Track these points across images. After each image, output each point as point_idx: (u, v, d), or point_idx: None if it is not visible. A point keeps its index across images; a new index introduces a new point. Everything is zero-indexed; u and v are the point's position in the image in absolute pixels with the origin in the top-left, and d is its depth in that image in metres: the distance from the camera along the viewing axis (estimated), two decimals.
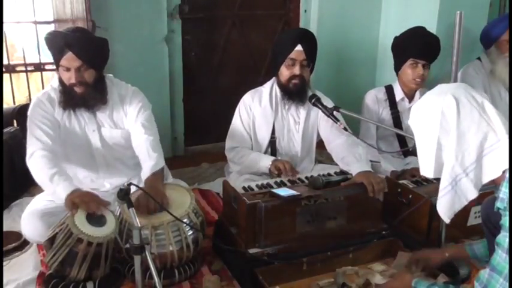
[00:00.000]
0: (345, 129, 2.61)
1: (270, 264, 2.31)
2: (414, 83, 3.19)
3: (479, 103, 1.69)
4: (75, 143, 2.66)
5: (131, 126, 2.70)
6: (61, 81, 2.56)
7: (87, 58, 2.48)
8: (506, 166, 1.62)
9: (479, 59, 3.68)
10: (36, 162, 2.43)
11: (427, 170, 1.76)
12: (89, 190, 2.44)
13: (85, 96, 2.54)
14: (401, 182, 2.79)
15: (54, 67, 3.89)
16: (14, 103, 3.89)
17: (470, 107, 1.67)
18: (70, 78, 2.49)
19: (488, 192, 2.00)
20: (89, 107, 2.60)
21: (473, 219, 2.60)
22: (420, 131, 1.77)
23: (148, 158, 2.57)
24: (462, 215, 2.56)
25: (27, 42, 3.90)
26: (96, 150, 2.71)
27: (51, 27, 3.71)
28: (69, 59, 2.45)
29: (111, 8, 3.53)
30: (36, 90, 4.06)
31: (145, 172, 2.53)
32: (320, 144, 3.08)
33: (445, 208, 1.74)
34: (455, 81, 2.37)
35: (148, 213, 2.31)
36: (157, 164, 2.55)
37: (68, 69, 2.48)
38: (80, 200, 2.22)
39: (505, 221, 1.62)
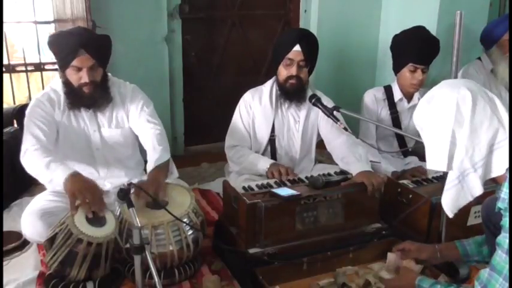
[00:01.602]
0: (345, 129, 2.61)
1: (270, 264, 2.31)
2: (412, 87, 3.17)
3: (490, 98, 1.67)
4: (75, 143, 2.66)
5: (135, 124, 2.70)
6: (67, 83, 2.54)
7: (99, 57, 2.51)
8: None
9: (479, 59, 3.68)
10: (30, 155, 2.41)
11: (437, 164, 1.69)
12: (88, 177, 2.38)
13: (94, 95, 2.55)
14: (401, 181, 2.78)
15: (54, 67, 3.92)
16: (14, 103, 3.89)
17: (484, 103, 1.65)
18: (81, 78, 2.49)
19: (488, 192, 1.99)
20: (96, 106, 2.60)
21: (473, 219, 2.60)
22: (431, 123, 1.71)
23: (153, 151, 2.58)
24: (462, 214, 2.56)
25: (28, 42, 3.91)
26: (96, 150, 2.71)
27: (52, 27, 3.71)
28: (83, 59, 2.45)
29: (111, 8, 3.54)
30: (37, 90, 4.06)
31: (150, 165, 2.53)
32: (320, 144, 3.08)
33: (450, 202, 1.70)
34: None
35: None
36: (161, 158, 2.54)
37: (80, 69, 2.47)
38: (82, 198, 2.20)
39: (505, 221, 1.61)
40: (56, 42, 2.52)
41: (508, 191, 1.61)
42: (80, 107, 2.60)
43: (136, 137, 2.77)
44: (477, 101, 1.64)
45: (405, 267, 2.19)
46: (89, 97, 2.55)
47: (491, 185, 1.74)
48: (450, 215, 1.73)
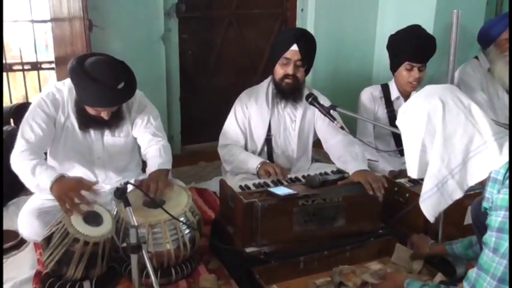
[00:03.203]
0: (342, 128, 2.61)
1: (266, 263, 2.31)
2: (410, 85, 3.17)
3: (465, 106, 1.69)
4: (75, 147, 2.64)
5: (140, 135, 2.70)
6: (82, 108, 2.51)
7: (128, 99, 2.53)
8: (493, 168, 1.63)
9: (476, 58, 3.68)
10: (18, 157, 2.39)
11: (411, 171, 1.79)
12: (74, 177, 2.37)
13: (108, 121, 2.54)
14: (398, 181, 2.79)
15: (51, 66, 3.92)
16: (11, 102, 3.88)
17: (457, 110, 1.68)
18: (100, 113, 2.47)
19: (479, 192, 2.00)
20: (105, 128, 2.61)
21: (470, 218, 2.60)
22: (406, 133, 1.78)
23: (159, 156, 2.57)
24: (459, 213, 2.58)
25: (24, 41, 3.90)
26: (97, 158, 2.69)
27: (48, 26, 3.70)
28: (112, 109, 2.47)
29: (107, 7, 3.52)
30: (33, 89, 4.05)
31: (151, 167, 2.53)
32: (318, 143, 3.08)
33: (431, 209, 1.77)
34: (452, 80, 2.37)
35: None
36: (165, 164, 2.54)
37: (102, 111, 2.47)
38: (69, 201, 2.17)
39: (490, 220, 1.62)
40: (88, 91, 2.37)
41: (491, 190, 1.63)
42: (90, 129, 2.59)
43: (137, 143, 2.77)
44: (448, 110, 1.68)
45: (392, 272, 2.20)
46: (103, 122, 2.54)
47: (480, 186, 1.74)
48: (432, 220, 1.80)
